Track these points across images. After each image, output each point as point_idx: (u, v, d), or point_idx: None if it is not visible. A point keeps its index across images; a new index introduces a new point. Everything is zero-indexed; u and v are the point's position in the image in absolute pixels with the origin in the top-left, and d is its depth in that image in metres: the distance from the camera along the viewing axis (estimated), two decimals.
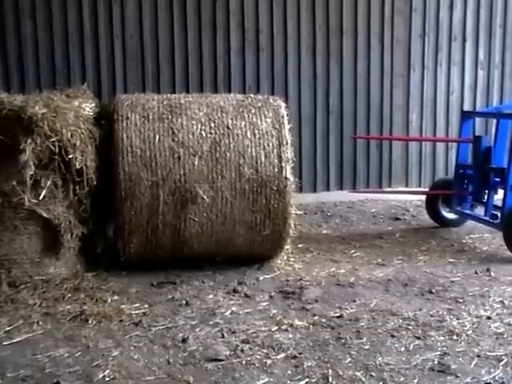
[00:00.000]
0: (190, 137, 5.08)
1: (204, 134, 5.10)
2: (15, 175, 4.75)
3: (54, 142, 4.78)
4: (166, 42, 7.82)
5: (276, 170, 5.12)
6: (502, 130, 6.38)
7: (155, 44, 7.82)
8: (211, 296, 4.75)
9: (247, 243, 5.27)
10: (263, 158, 5.12)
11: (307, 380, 3.43)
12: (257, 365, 3.61)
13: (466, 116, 6.79)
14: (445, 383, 3.41)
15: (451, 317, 4.31)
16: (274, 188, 5.11)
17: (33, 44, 7.55)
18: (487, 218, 6.14)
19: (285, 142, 5.19)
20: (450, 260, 5.66)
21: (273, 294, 4.80)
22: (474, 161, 6.49)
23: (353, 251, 5.95)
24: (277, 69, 8.09)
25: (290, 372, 3.53)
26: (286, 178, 5.13)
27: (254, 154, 5.12)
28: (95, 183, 5.02)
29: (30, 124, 4.72)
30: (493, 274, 5.25)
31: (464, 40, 8.50)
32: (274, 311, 4.42)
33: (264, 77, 8.08)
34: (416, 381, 3.42)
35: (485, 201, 6.26)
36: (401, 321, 4.23)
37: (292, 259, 5.65)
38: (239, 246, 5.28)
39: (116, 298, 4.68)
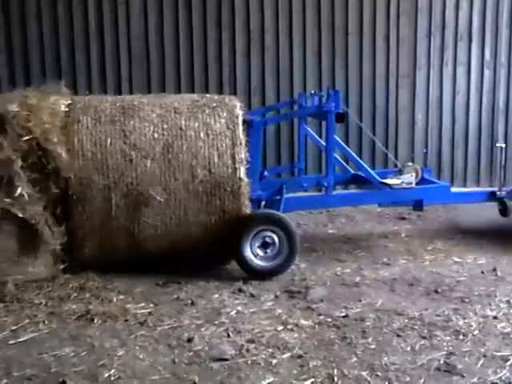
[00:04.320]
0: (143, 139, 5.00)
1: (156, 136, 5.02)
2: None
3: (28, 139, 4.72)
4: (171, 43, 7.84)
5: (230, 170, 5.04)
6: None
7: (160, 45, 7.84)
8: (216, 295, 4.74)
9: (203, 245, 5.16)
10: (216, 159, 5.03)
11: (313, 380, 3.42)
12: (262, 364, 3.60)
13: None
14: (451, 383, 3.39)
15: (457, 316, 4.29)
16: (228, 189, 5.03)
17: (38, 44, 7.58)
18: None
19: (239, 143, 5.09)
20: (456, 260, 5.64)
21: (278, 293, 4.79)
22: None
23: (358, 251, 5.94)
24: (282, 70, 8.09)
25: (295, 372, 3.52)
26: (239, 178, 5.05)
27: (207, 155, 5.03)
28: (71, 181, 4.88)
29: (3, 122, 4.68)
30: (499, 273, 5.23)
31: (470, 40, 8.48)
32: (280, 311, 4.42)
33: (269, 78, 8.09)
34: (422, 381, 3.41)
35: None
36: (406, 320, 4.22)
37: (297, 259, 5.63)
38: (195, 247, 5.19)
39: (121, 297, 4.68)
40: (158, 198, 4.93)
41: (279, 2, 7.99)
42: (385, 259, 5.66)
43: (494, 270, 5.30)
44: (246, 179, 5.09)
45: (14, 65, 7.60)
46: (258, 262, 5.12)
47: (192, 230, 5.07)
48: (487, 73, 8.57)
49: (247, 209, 5.13)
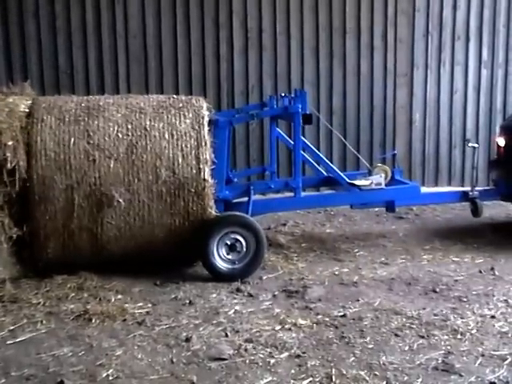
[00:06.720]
0: (106, 139, 4.95)
1: (120, 136, 4.97)
2: None
3: None
4: (169, 42, 7.84)
5: (194, 171, 4.97)
6: None
7: (158, 44, 7.84)
8: (214, 295, 4.74)
9: (168, 246, 5.11)
10: (180, 160, 4.97)
11: (311, 379, 3.42)
12: (260, 364, 3.60)
13: None
14: (449, 382, 3.40)
15: (455, 316, 4.30)
16: (192, 190, 4.97)
17: (36, 43, 7.57)
18: None
19: (203, 143, 5.03)
20: (454, 259, 5.65)
21: (276, 293, 4.79)
22: None
23: (356, 250, 5.94)
24: (280, 69, 8.10)
25: (293, 371, 3.52)
26: (204, 179, 4.98)
27: (171, 155, 4.97)
28: (28, 183, 4.81)
29: None
30: (497, 272, 5.24)
31: (467, 39, 8.49)
32: (278, 310, 4.42)
33: (267, 77, 8.09)
34: (420, 380, 3.41)
35: None
36: (404, 320, 4.23)
37: (295, 258, 5.65)
38: (160, 249, 5.13)
39: (119, 297, 4.68)
40: (121, 199, 4.86)
41: (277, 1, 7.99)
42: (383, 259, 5.67)
43: (492, 269, 5.31)
44: (210, 180, 5.03)
45: (11, 64, 7.58)
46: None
47: (156, 231, 5.02)
48: (485, 72, 8.59)
49: (212, 210, 5.07)
